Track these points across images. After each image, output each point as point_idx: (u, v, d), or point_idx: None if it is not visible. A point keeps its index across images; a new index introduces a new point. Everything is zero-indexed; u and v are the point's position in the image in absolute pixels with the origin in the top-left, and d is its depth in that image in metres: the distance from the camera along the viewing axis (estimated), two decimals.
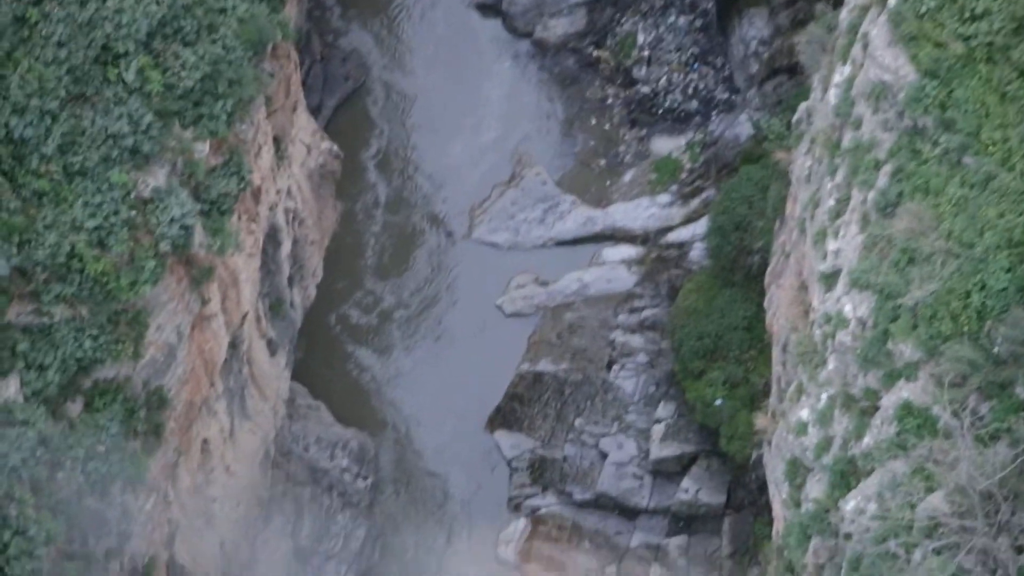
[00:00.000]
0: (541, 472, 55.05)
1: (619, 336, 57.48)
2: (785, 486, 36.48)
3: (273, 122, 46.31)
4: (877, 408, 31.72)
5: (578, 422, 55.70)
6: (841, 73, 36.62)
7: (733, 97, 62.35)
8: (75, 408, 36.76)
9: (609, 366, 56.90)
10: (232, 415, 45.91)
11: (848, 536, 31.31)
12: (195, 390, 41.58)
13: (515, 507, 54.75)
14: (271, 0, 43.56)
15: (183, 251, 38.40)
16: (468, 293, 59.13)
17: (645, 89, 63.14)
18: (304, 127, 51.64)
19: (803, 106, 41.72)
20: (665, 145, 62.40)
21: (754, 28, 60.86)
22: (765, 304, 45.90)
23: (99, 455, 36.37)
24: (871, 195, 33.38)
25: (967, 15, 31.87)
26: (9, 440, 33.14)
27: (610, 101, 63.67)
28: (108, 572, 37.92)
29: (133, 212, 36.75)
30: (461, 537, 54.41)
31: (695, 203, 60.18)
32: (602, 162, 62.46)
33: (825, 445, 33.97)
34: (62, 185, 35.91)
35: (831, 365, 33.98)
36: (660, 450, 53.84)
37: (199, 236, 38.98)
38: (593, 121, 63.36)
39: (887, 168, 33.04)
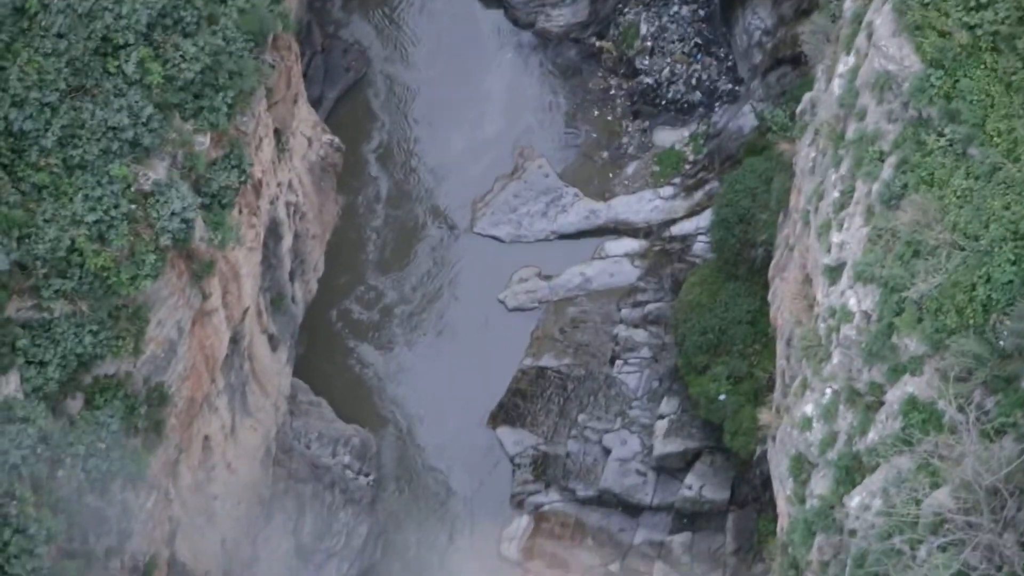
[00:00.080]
0: (544, 468, 54.81)
1: (622, 331, 57.21)
2: (789, 482, 36.23)
3: (274, 114, 46.08)
4: (882, 403, 31.47)
5: (581, 418, 55.44)
6: (845, 63, 36.34)
7: (736, 88, 62.04)
8: (75, 405, 36.51)
9: (612, 361, 56.65)
10: (233, 411, 45.69)
11: (853, 532, 31.11)
12: (196, 386, 41.35)
13: (518, 504, 54.50)
14: None
15: (184, 245, 38.14)
16: (470, 288, 58.89)
17: (648, 80, 62.81)
18: (305, 119, 51.37)
19: (807, 97, 41.48)
20: (668, 137, 62.10)
21: (757, 18, 60.53)
22: (769, 298, 45.68)
23: (99, 452, 36.09)
24: (875, 187, 33.12)
25: (972, 4, 31.65)
26: (9, 437, 32.91)
27: (613, 92, 63.37)
28: (109, 570, 37.67)
29: (133, 206, 36.49)
30: (463, 534, 54.20)
31: (698, 195, 59.89)
32: (605, 154, 62.17)
33: (830, 440, 33.72)
34: (62, 178, 35.68)
35: (835, 359, 33.73)
36: (664, 446, 53.55)
37: (200, 230, 38.75)
38: (596, 113, 63.08)
39: (892, 159, 32.76)
